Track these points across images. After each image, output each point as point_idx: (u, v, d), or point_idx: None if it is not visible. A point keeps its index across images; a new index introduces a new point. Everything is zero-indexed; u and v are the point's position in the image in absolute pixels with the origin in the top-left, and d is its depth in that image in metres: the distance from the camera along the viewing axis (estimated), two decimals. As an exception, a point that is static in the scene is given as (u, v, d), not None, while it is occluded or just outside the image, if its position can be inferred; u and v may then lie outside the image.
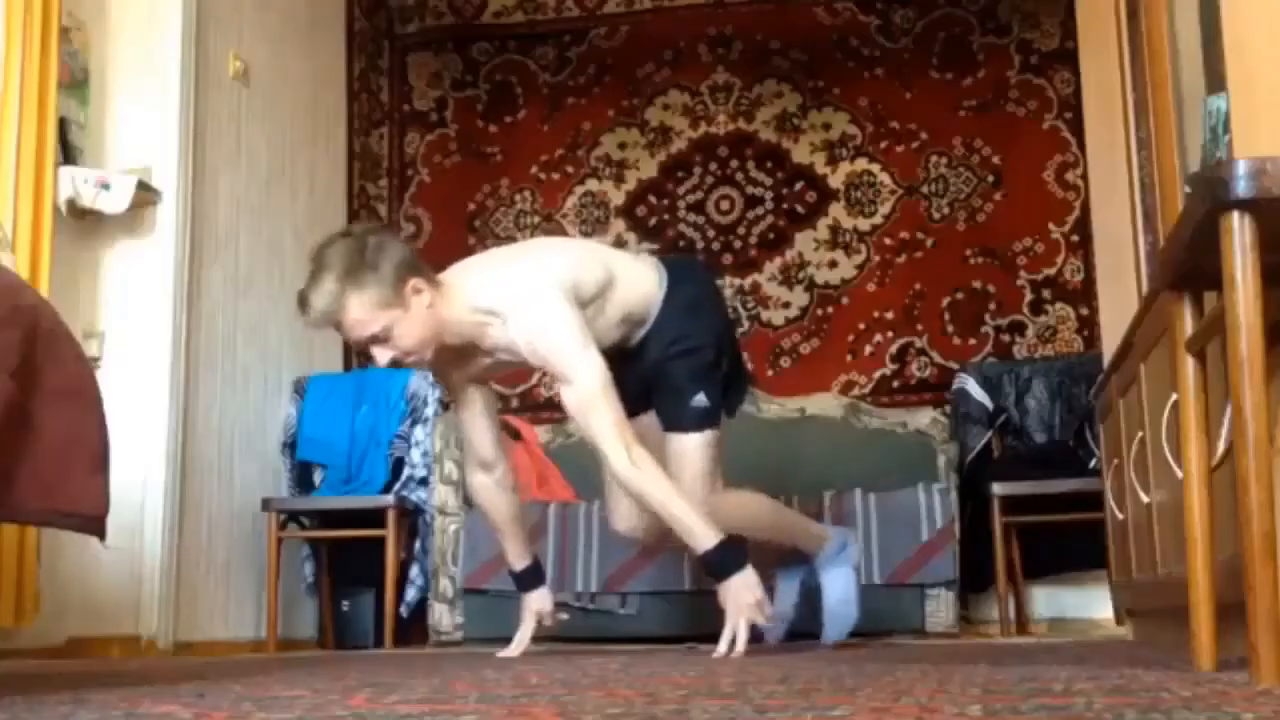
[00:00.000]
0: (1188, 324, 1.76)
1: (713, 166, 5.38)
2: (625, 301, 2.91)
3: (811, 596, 3.19)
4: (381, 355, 2.74)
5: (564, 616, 3.28)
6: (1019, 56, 5.21)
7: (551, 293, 2.75)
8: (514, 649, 3.09)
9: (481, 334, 2.81)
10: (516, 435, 4.54)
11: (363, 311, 2.67)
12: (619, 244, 5.36)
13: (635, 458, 2.69)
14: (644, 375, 2.96)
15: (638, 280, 2.95)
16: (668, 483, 2.71)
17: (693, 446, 2.90)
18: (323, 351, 5.14)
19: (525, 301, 2.75)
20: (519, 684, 1.72)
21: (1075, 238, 5.02)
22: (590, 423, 2.73)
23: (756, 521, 3.07)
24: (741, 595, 2.68)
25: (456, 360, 2.94)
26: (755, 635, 2.70)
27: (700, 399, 2.92)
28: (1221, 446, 1.76)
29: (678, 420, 2.93)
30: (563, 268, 2.83)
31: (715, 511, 2.80)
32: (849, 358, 5.12)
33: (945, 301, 5.10)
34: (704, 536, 2.69)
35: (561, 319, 2.73)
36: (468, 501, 3.99)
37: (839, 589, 3.17)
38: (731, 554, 2.70)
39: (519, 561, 3.15)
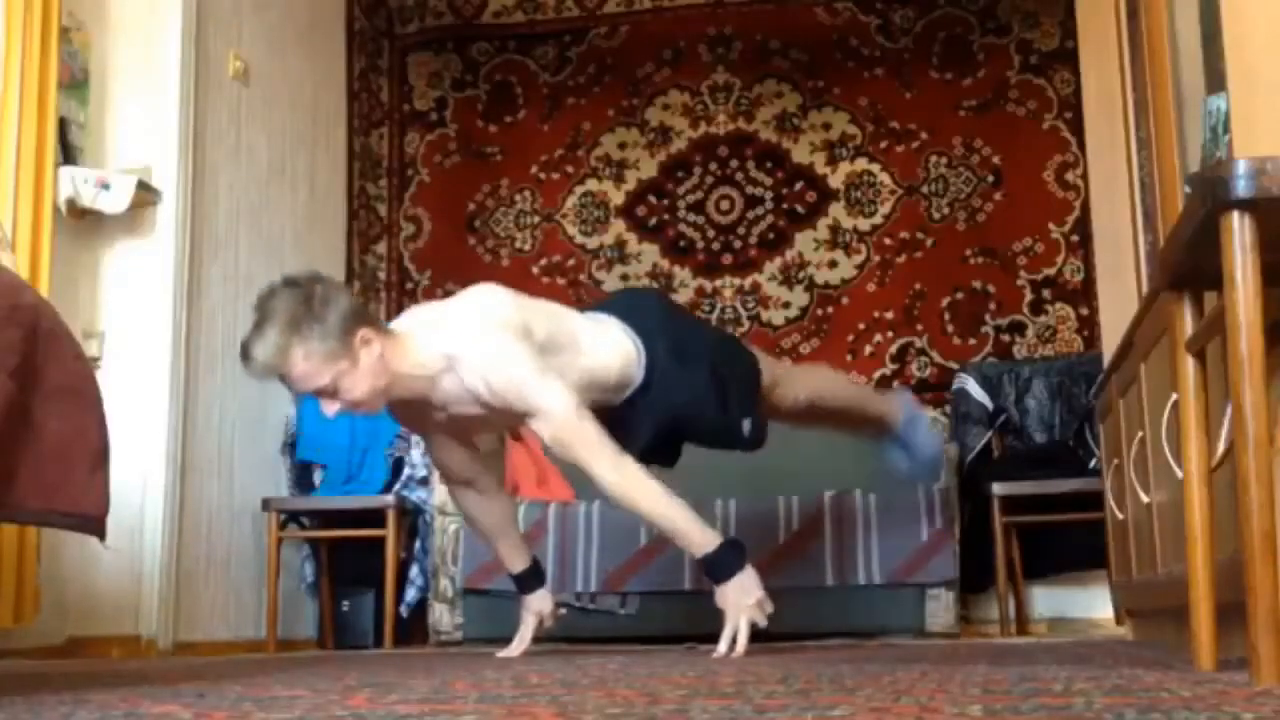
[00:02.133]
0: (1188, 324, 1.76)
1: (713, 166, 5.39)
2: (594, 370, 2.83)
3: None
4: (329, 407, 2.66)
5: (563, 612, 3.28)
6: (1019, 56, 5.21)
7: (501, 332, 2.69)
8: (514, 649, 3.09)
9: (432, 386, 2.72)
10: (516, 435, 4.53)
11: (308, 364, 2.58)
12: (619, 244, 5.37)
13: (623, 472, 2.66)
14: (657, 428, 2.93)
15: (607, 352, 2.87)
16: (659, 489, 2.68)
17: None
18: (323, 351, 5.14)
19: (476, 343, 2.68)
20: (519, 684, 1.72)
21: (1075, 238, 5.02)
22: (570, 448, 2.68)
23: (844, 382, 3.39)
24: (741, 596, 2.68)
25: (412, 415, 2.91)
26: (755, 635, 2.69)
27: (746, 425, 2.94)
28: (1221, 446, 1.76)
29: (745, 448, 3.04)
30: (510, 310, 2.76)
31: (805, 378, 3.07)
32: (849, 358, 5.12)
33: (945, 301, 5.10)
34: (702, 540, 2.68)
35: (514, 353, 2.67)
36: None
37: (921, 433, 3.40)
38: (731, 555, 2.69)
39: (517, 564, 3.14)
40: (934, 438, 3.49)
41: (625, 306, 3.02)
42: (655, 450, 3.05)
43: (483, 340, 2.68)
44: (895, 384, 5.03)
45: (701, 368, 2.90)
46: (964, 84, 5.23)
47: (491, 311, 2.75)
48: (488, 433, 3.02)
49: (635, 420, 2.90)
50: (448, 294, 5.36)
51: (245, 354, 2.61)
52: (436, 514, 4.45)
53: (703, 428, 2.99)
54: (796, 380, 3.20)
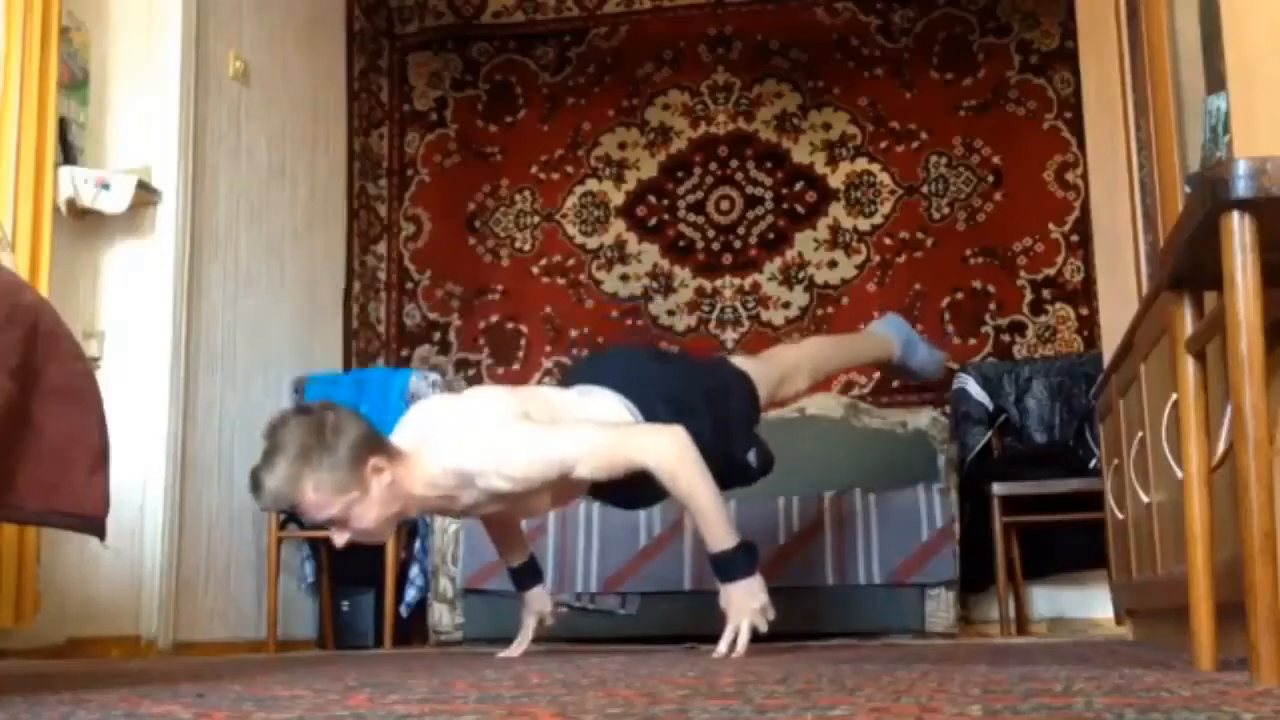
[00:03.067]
0: (1188, 324, 1.76)
1: (713, 166, 5.39)
2: None
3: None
4: (339, 537, 2.65)
5: (563, 610, 3.29)
6: (1019, 56, 5.21)
7: (507, 425, 2.68)
8: (514, 649, 3.09)
9: (451, 501, 2.73)
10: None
11: (319, 495, 2.57)
12: (619, 244, 5.37)
13: (676, 440, 2.65)
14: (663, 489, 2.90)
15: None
16: (706, 471, 2.66)
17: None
18: (323, 351, 5.15)
19: (489, 450, 2.65)
20: (519, 684, 1.72)
21: (1075, 238, 5.02)
22: (623, 464, 2.68)
23: (836, 348, 3.45)
24: (746, 599, 2.68)
25: (445, 512, 2.93)
26: (753, 638, 2.69)
27: (752, 457, 2.93)
28: (1221, 446, 1.76)
29: (755, 479, 3.04)
30: (507, 404, 2.75)
31: (800, 367, 3.12)
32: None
33: (945, 301, 5.10)
34: (724, 535, 2.68)
35: (528, 435, 2.66)
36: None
37: (920, 354, 3.52)
38: (744, 558, 2.70)
39: (515, 559, 3.15)
40: (932, 353, 3.58)
41: (616, 374, 2.98)
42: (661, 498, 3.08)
43: (492, 446, 2.66)
44: (894, 385, 5.03)
45: (701, 420, 2.85)
46: (964, 84, 5.23)
47: (491, 409, 2.73)
48: (532, 506, 2.96)
49: (641, 483, 2.90)
50: (448, 294, 5.44)
51: (255, 484, 2.59)
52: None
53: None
54: (794, 372, 3.22)
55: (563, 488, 2.80)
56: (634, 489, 2.87)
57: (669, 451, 2.65)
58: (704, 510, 2.67)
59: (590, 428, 2.72)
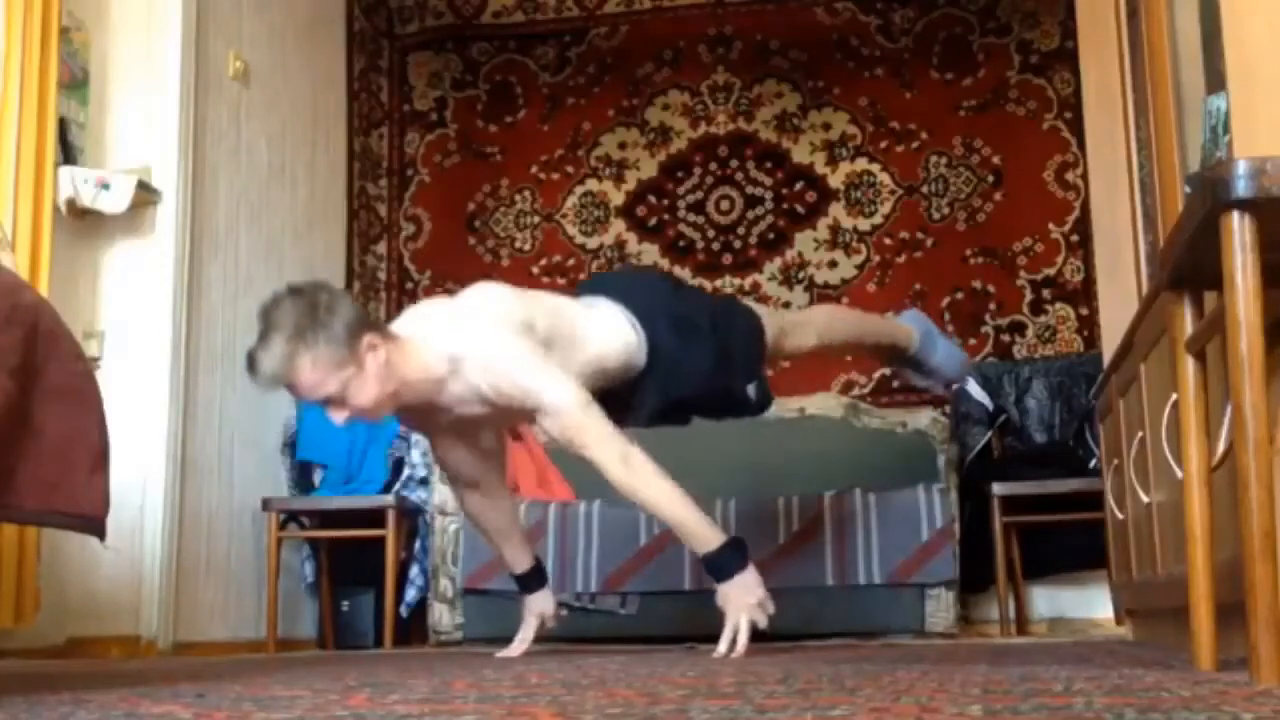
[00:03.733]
0: (1188, 324, 1.76)
1: (713, 166, 5.39)
2: (597, 361, 2.81)
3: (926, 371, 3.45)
4: (337, 415, 2.65)
5: (564, 613, 3.28)
6: (1019, 56, 5.21)
7: (503, 329, 2.69)
8: (514, 649, 3.09)
9: (438, 389, 2.72)
10: (516, 435, 4.54)
11: (316, 372, 2.56)
12: (619, 244, 5.37)
13: (631, 464, 2.64)
14: (662, 406, 2.93)
15: (608, 342, 2.86)
16: (668, 484, 2.67)
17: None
18: (323, 351, 5.14)
19: (479, 343, 2.67)
20: (519, 684, 1.72)
21: (1075, 238, 5.02)
22: (579, 442, 2.67)
23: (852, 317, 3.36)
24: (743, 595, 2.67)
25: (416, 417, 2.91)
26: (755, 635, 2.69)
27: (751, 389, 2.94)
28: (1221, 446, 1.76)
29: (751, 413, 3.05)
30: (511, 306, 2.76)
31: (811, 324, 3.12)
32: (849, 357, 5.12)
33: (945, 301, 5.10)
34: (707, 537, 2.68)
35: (518, 351, 2.66)
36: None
37: (940, 350, 3.38)
38: (734, 555, 2.69)
39: (520, 564, 3.14)
40: (953, 349, 3.48)
41: (624, 288, 3.00)
42: (663, 418, 3.06)
43: (485, 339, 2.68)
44: (894, 385, 5.03)
45: (704, 344, 2.89)
46: (964, 84, 5.23)
47: (492, 309, 2.74)
48: (491, 430, 3.01)
49: (640, 400, 2.91)
50: (448, 294, 5.42)
51: (251, 365, 2.59)
52: (436, 514, 4.45)
53: (708, 402, 3.01)
54: (803, 328, 3.21)
55: (517, 425, 2.82)
56: (624, 398, 2.88)
57: (624, 470, 2.64)
58: (677, 519, 2.67)
59: (575, 393, 2.67)
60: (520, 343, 2.68)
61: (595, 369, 2.81)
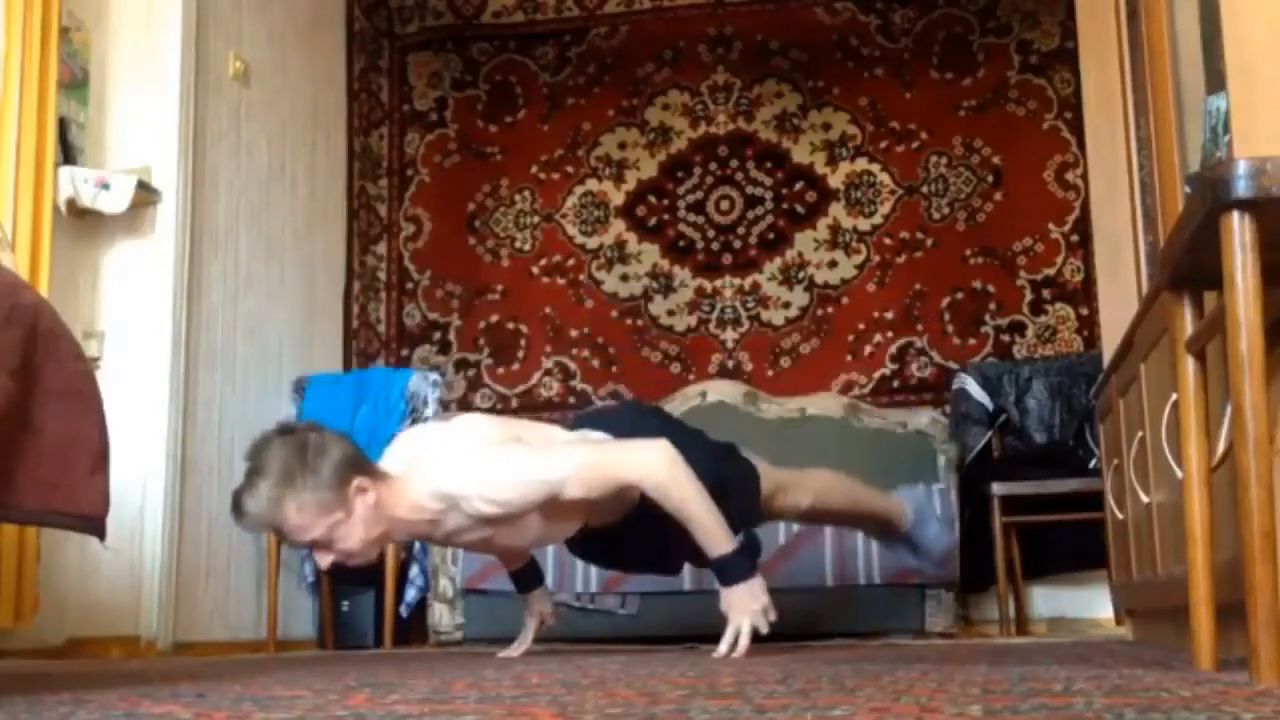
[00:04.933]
0: (1188, 324, 1.76)
1: (713, 166, 5.39)
2: (592, 501, 2.73)
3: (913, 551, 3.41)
4: (323, 559, 2.63)
5: (561, 610, 3.28)
6: (1019, 56, 5.21)
7: (489, 449, 2.65)
8: (515, 650, 3.09)
9: (434, 527, 2.70)
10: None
11: (302, 517, 2.54)
12: (619, 244, 5.37)
13: (663, 455, 2.61)
14: (654, 548, 2.90)
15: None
16: (696, 481, 2.64)
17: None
18: (323, 351, 5.15)
19: (468, 474, 2.61)
20: (519, 684, 1.72)
21: (1075, 238, 5.02)
22: (611, 483, 2.64)
23: (849, 485, 3.27)
24: (748, 600, 2.68)
25: (422, 538, 2.89)
26: (754, 638, 2.69)
27: (741, 537, 2.89)
28: (1221, 446, 1.76)
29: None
30: (497, 430, 2.74)
31: (808, 485, 3.06)
32: (849, 358, 5.13)
33: (945, 301, 5.10)
34: (722, 539, 2.67)
35: (502, 459, 2.62)
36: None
37: (932, 533, 3.35)
38: (745, 560, 2.69)
39: (514, 563, 3.15)
40: (944, 535, 3.42)
41: (619, 421, 2.95)
42: (651, 563, 3.07)
43: (472, 470, 2.62)
44: (895, 385, 5.03)
45: (701, 477, 2.77)
46: (964, 84, 5.23)
47: (476, 437, 2.71)
48: (518, 536, 2.86)
49: (632, 539, 2.89)
50: (448, 294, 5.44)
51: (237, 507, 2.56)
52: (436, 514, 4.44)
53: (697, 550, 2.83)
54: (798, 487, 3.14)
55: (552, 517, 2.75)
56: (619, 543, 2.86)
57: (657, 465, 2.63)
58: (699, 519, 2.66)
59: (577, 447, 2.70)
60: (511, 448, 2.65)
61: (590, 505, 2.76)
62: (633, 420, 2.99)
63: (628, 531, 2.87)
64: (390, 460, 2.75)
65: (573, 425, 3.02)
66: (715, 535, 2.67)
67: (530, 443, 2.72)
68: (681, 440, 2.82)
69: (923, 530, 3.33)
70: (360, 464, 2.62)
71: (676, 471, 2.64)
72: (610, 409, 3.27)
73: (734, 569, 2.68)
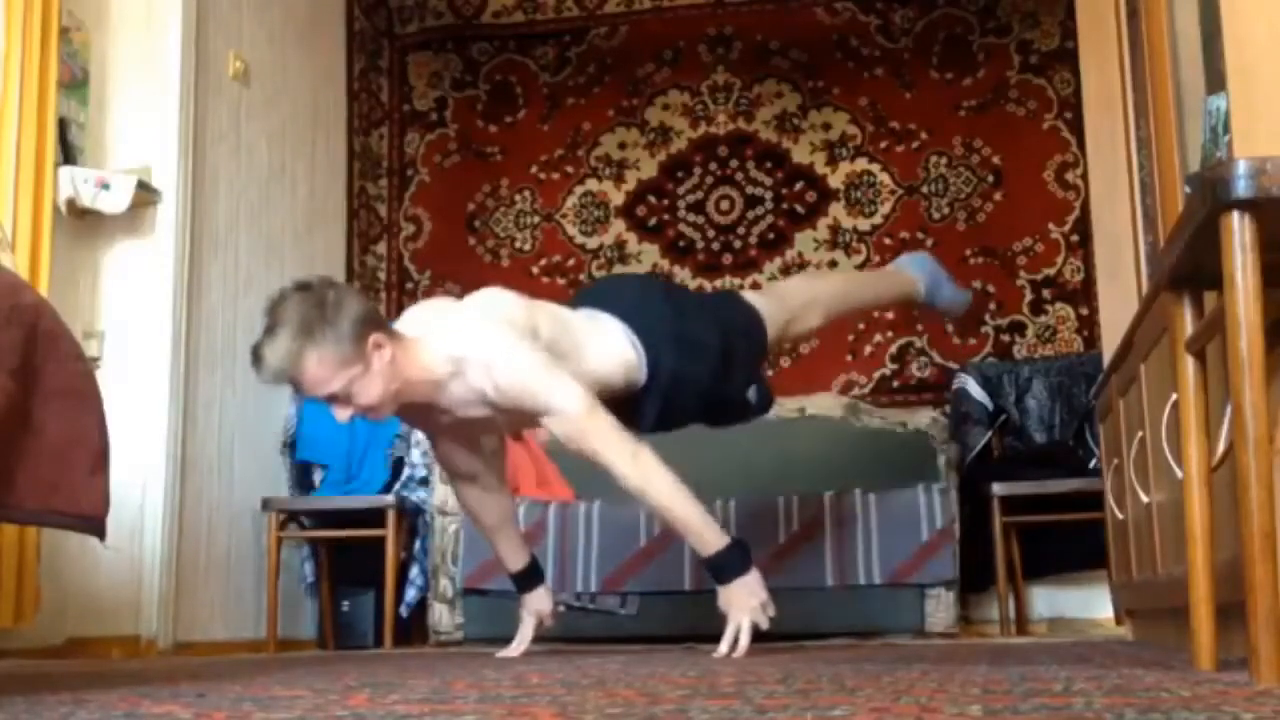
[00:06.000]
0: (1188, 324, 1.76)
1: (713, 166, 5.39)
2: (598, 378, 2.77)
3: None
4: (341, 413, 2.63)
5: (561, 610, 3.29)
6: (1019, 56, 5.21)
7: (507, 332, 2.67)
8: (514, 649, 3.09)
9: (439, 390, 2.70)
10: (517, 435, 4.53)
11: (321, 369, 2.54)
12: (619, 244, 5.37)
13: (641, 463, 2.63)
14: (662, 416, 2.91)
15: (610, 359, 2.83)
16: (675, 483, 2.66)
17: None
18: (323, 351, 5.14)
19: (482, 344, 2.65)
20: (519, 684, 1.72)
21: (1075, 238, 5.02)
22: (586, 444, 2.66)
23: (857, 285, 3.34)
24: (746, 598, 2.67)
25: (419, 416, 2.90)
26: (755, 636, 2.69)
27: (752, 393, 2.92)
28: (1221, 446, 1.76)
29: (753, 416, 3.02)
30: (516, 310, 2.75)
31: (814, 303, 3.10)
32: (849, 357, 5.13)
33: (945, 301, 5.09)
34: (711, 539, 2.67)
35: (521, 352, 2.65)
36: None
37: (946, 292, 3.41)
38: (738, 556, 2.69)
39: (515, 562, 3.14)
40: (959, 292, 3.49)
41: (624, 303, 2.96)
42: (661, 428, 3.04)
43: (489, 342, 2.66)
44: (894, 386, 5.03)
45: (704, 357, 2.86)
46: (964, 84, 5.23)
47: (496, 312, 2.73)
48: (492, 433, 3.00)
49: (638, 413, 2.90)
50: (448, 294, 5.40)
51: (256, 359, 2.57)
52: (436, 514, 4.45)
53: (709, 411, 3.00)
54: (806, 310, 3.16)
55: (520, 428, 2.80)
56: (631, 406, 2.87)
57: (631, 469, 2.63)
58: (684, 521, 2.66)
59: (581, 396, 2.67)
60: (523, 344, 2.67)
61: (595, 383, 2.78)
62: (638, 302, 2.98)
63: (639, 401, 2.88)
64: (406, 323, 2.77)
65: (573, 303, 3.02)
66: (705, 535, 2.67)
67: (544, 333, 2.72)
68: (682, 310, 2.92)
69: (937, 293, 3.40)
70: (378, 320, 2.65)
71: (654, 479, 2.64)
72: (617, 286, 3.28)
73: (729, 565, 2.67)
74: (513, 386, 2.64)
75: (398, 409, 2.77)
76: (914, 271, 3.40)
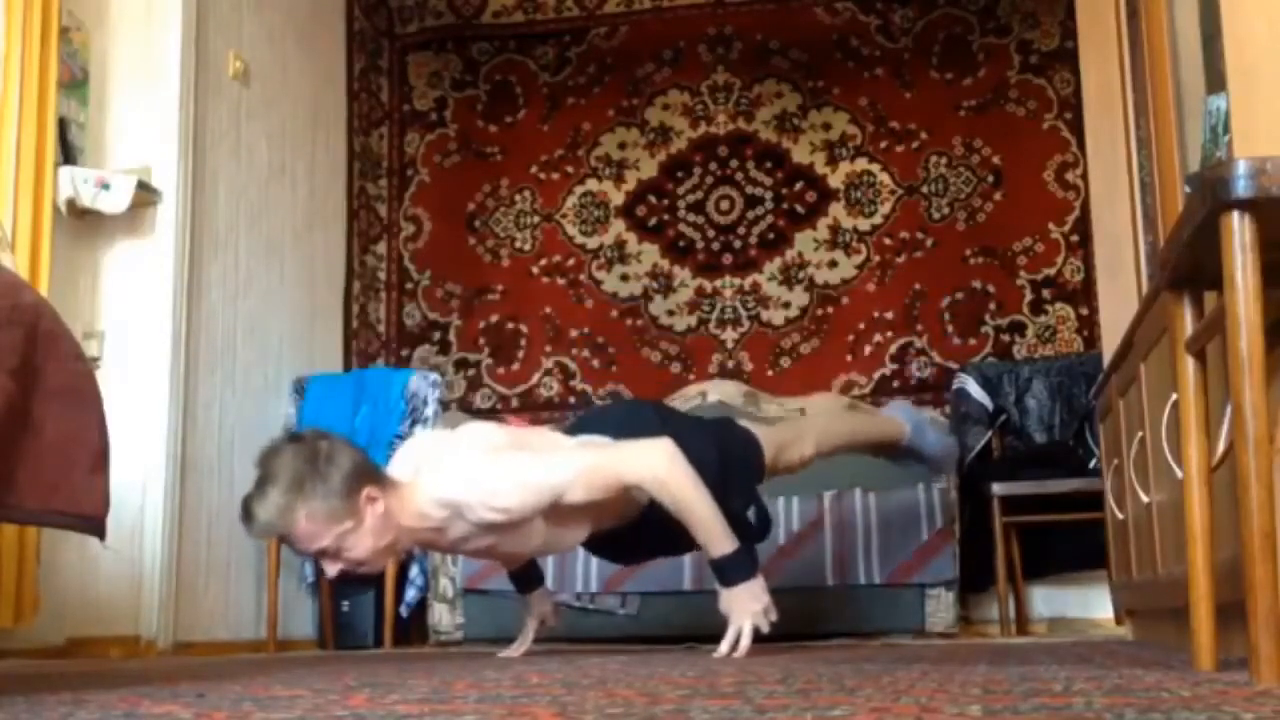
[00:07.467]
0: (1188, 324, 1.76)
1: (713, 166, 5.39)
2: (597, 503, 2.73)
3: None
4: (331, 568, 2.62)
5: (562, 608, 3.29)
6: (1019, 56, 5.21)
7: (493, 456, 2.65)
8: (515, 650, 3.09)
9: (439, 535, 2.69)
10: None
11: (312, 524, 2.53)
12: (619, 244, 5.37)
13: (674, 462, 2.63)
14: (660, 543, 2.92)
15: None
16: (698, 482, 2.65)
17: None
18: (323, 352, 5.15)
19: (474, 480, 2.61)
20: (519, 684, 1.72)
21: (1075, 238, 5.02)
22: (618, 485, 2.66)
23: (849, 422, 3.46)
24: (749, 601, 2.68)
25: (446, 547, 2.88)
26: (756, 637, 2.70)
27: (750, 514, 2.91)
28: (1221, 446, 1.76)
29: (753, 540, 2.95)
30: (501, 437, 2.74)
31: (808, 434, 3.14)
32: (849, 358, 5.13)
33: (945, 301, 5.10)
34: (724, 541, 2.68)
35: (513, 467, 2.62)
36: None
37: (931, 440, 3.49)
38: (746, 560, 2.70)
39: (514, 563, 3.15)
40: (943, 438, 3.57)
41: (618, 424, 2.94)
42: (663, 551, 3.10)
43: (478, 476, 2.62)
44: (895, 386, 5.04)
45: (704, 473, 2.77)
46: (964, 84, 5.23)
47: (481, 444, 2.71)
48: (522, 543, 2.84)
49: (639, 537, 2.90)
50: (448, 294, 5.44)
51: (247, 514, 2.55)
52: (436, 514, 4.44)
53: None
54: (799, 440, 3.20)
55: (557, 524, 2.75)
56: (626, 538, 2.87)
57: (657, 463, 2.64)
58: (700, 518, 2.66)
59: (578, 452, 2.71)
60: (514, 456, 2.65)
61: (596, 511, 2.77)
62: (628, 418, 2.99)
63: (636, 531, 2.87)
64: (396, 468, 2.75)
65: (571, 431, 3.02)
66: (716, 535, 2.67)
67: (535, 449, 2.72)
68: (678, 429, 2.84)
69: (922, 439, 3.45)
70: (370, 473, 2.62)
71: (676, 470, 2.64)
72: (605, 409, 3.30)
73: (735, 569, 2.68)
74: (515, 500, 2.61)
75: (415, 544, 2.77)
76: (898, 416, 3.50)
